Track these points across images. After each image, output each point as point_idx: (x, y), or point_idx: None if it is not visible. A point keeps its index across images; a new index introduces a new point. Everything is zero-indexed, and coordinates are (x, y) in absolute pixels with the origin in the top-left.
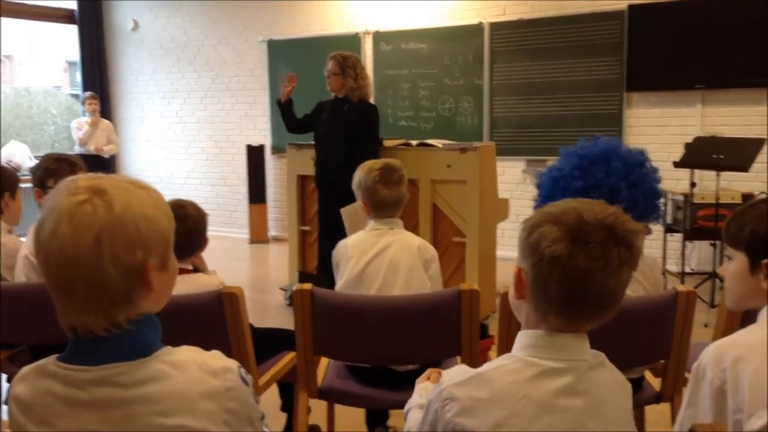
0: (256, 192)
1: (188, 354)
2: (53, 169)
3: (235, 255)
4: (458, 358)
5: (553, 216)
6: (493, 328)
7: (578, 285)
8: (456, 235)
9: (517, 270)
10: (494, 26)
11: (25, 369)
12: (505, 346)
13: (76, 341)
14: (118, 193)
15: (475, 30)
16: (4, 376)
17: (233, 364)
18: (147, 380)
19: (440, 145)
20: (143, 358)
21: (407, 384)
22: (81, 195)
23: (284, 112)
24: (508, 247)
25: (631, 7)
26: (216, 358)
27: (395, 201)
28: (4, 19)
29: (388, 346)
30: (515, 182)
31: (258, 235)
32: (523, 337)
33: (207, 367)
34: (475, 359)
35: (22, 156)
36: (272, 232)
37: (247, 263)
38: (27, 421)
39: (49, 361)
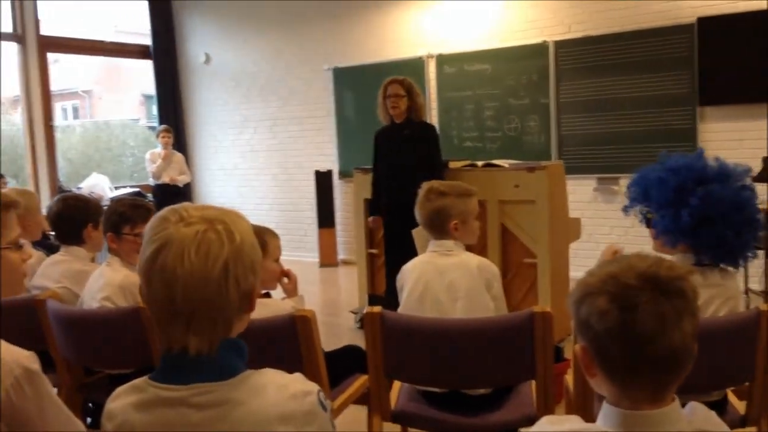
0: (325, 216)
1: (269, 377)
2: (129, 215)
3: (305, 278)
4: (533, 382)
5: (593, 287)
6: (569, 351)
7: (645, 351)
8: (527, 256)
9: (579, 349)
10: (559, 44)
11: (121, 387)
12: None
13: (169, 360)
14: (231, 222)
15: (539, 49)
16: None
17: (313, 387)
18: (225, 402)
19: (507, 165)
20: (225, 380)
21: (479, 408)
22: (198, 225)
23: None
24: (582, 268)
25: (700, 19)
26: (296, 381)
27: (426, 221)
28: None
29: (460, 370)
30: (587, 201)
31: (327, 258)
32: (612, 415)
33: (286, 390)
34: (550, 383)
35: (103, 187)
36: (341, 256)
37: (317, 287)
38: None
39: (143, 380)
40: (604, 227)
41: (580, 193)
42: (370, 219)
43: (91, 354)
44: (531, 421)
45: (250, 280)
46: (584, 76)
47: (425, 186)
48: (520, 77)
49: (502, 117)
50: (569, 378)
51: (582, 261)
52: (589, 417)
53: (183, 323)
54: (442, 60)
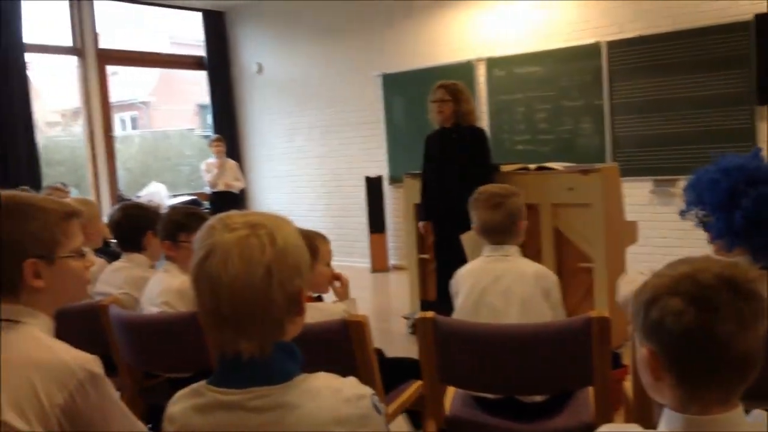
0: (376, 222)
1: (324, 380)
2: (184, 223)
3: (357, 284)
4: (590, 389)
5: (667, 287)
6: (627, 357)
7: (721, 353)
8: (582, 260)
9: (646, 352)
10: (611, 44)
11: (180, 391)
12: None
13: (224, 365)
14: (274, 227)
15: (591, 50)
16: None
17: (367, 391)
18: (281, 406)
19: (560, 168)
20: (280, 384)
21: (535, 415)
22: (242, 230)
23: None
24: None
25: (758, 16)
26: (351, 385)
27: (498, 225)
28: (141, 69)
29: (515, 376)
30: (643, 203)
31: (379, 264)
32: (676, 421)
33: (341, 394)
34: (608, 390)
35: (161, 195)
36: (392, 261)
37: (369, 292)
38: None
39: (201, 384)
40: (661, 230)
41: (636, 196)
42: (421, 224)
43: (151, 358)
44: (588, 428)
45: (295, 283)
46: (638, 77)
47: (484, 192)
48: (572, 79)
49: (555, 119)
50: (628, 384)
51: (639, 265)
52: (649, 424)
53: (232, 328)
54: (492, 63)
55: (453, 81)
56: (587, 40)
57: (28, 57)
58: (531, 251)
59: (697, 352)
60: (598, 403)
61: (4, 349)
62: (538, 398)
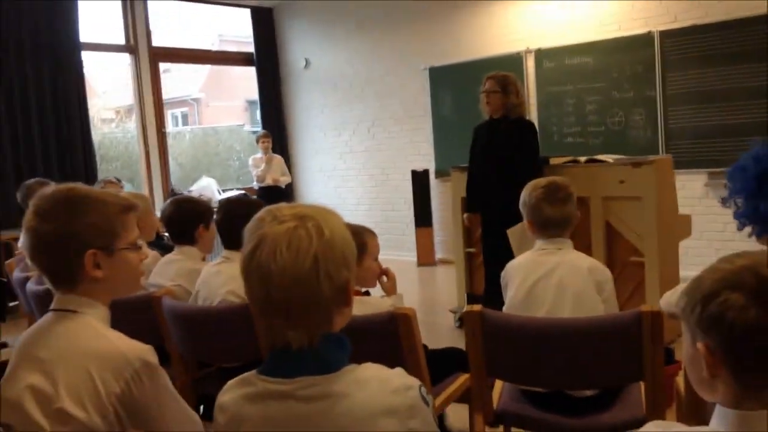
0: (422, 216)
1: (372, 371)
2: (245, 214)
3: (403, 278)
4: (641, 384)
5: (727, 281)
6: (680, 353)
7: None
8: (633, 254)
9: (702, 347)
10: (665, 34)
11: (231, 381)
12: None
13: (274, 354)
14: (321, 219)
15: (644, 39)
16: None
17: (415, 382)
18: (329, 395)
19: (611, 161)
20: (329, 374)
21: (586, 410)
22: (290, 222)
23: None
24: (692, 267)
25: None
26: (399, 375)
27: (561, 220)
28: (193, 66)
29: (564, 371)
30: (697, 197)
31: (425, 258)
32: (729, 417)
33: (389, 384)
34: (660, 386)
35: (212, 189)
36: (439, 255)
37: (415, 286)
38: (224, 425)
39: (252, 373)
40: (716, 224)
41: (690, 189)
42: (465, 216)
43: (203, 348)
44: (639, 423)
45: (343, 274)
46: (693, 67)
47: (547, 186)
48: (623, 69)
49: (606, 111)
50: (680, 380)
51: (692, 260)
52: (702, 421)
53: (281, 318)
54: (541, 54)
55: (504, 72)
56: (639, 29)
57: (84, 55)
58: (581, 245)
59: (759, 347)
60: (649, 398)
61: (63, 338)
62: (589, 393)
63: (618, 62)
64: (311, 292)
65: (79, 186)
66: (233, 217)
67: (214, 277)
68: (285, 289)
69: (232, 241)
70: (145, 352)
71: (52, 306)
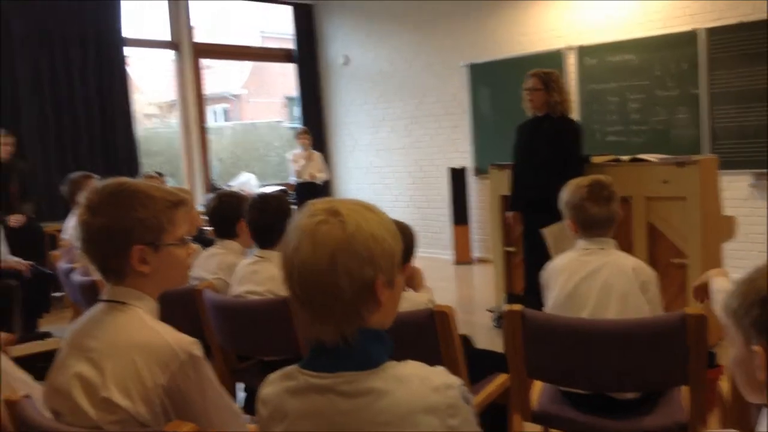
0: (460, 213)
1: (412, 368)
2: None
3: (440, 276)
4: (684, 388)
5: None
6: (723, 357)
7: None
8: (675, 255)
9: (759, 350)
10: (711, 31)
11: (273, 374)
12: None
13: (315, 350)
14: (350, 215)
15: (688, 37)
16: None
17: (456, 381)
18: (370, 391)
19: (654, 160)
20: (369, 370)
21: (627, 413)
22: (319, 216)
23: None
24: (737, 269)
25: None
26: (439, 373)
27: (605, 219)
28: (233, 62)
29: (605, 372)
30: (742, 198)
31: (462, 256)
32: None
33: (429, 382)
34: (704, 390)
35: (251, 185)
36: (476, 253)
37: (452, 284)
38: (266, 417)
39: (294, 367)
40: (761, 226)
41: (735, 190)
42: (509, 214)
43: (243, 341)
44: (682, 428)
45: (366, 273)
46: (739, 65)
47: (590, 185)
48: (668, 67)
49: (649, 109)
50: (724, 384)
51: (737, 262)
52: (746, 426)
53: (308, 312)
54: (584, 51)
55: (547, 69)
56: (684, 27)
57: (128, 51)
58: (622, 245)
59: None
60: (693, 402)
61: (111, 329)
62: (630, 395)
63: (662, 60)
64: (329, 288)
65: (129, 181)
66: (265, 217)
67: (251, 276)
68: (304, 283)
69: (265, 240)
70: (191, 345)
71: (102, 296)
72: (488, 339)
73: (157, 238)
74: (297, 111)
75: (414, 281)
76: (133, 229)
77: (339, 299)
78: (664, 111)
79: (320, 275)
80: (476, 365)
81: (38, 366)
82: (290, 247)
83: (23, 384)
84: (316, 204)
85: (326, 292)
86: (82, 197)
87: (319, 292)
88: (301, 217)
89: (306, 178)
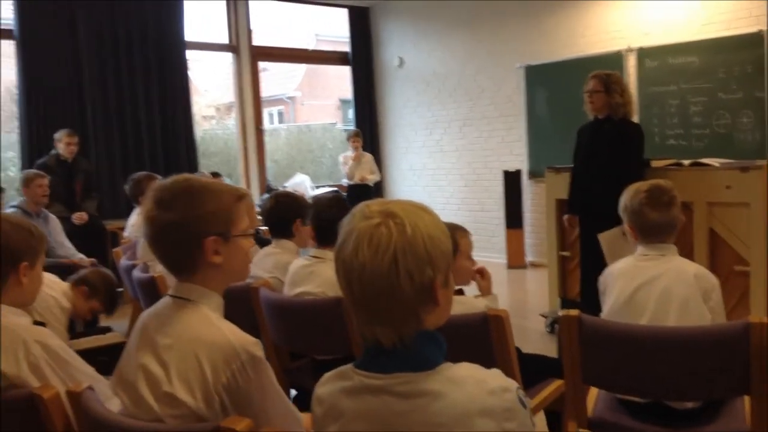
0: (513, 217)
1: (467, 371)
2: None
3: (493, 280)
4: (745, 398)
5: None
6: None
7: None
8: (738, 263)
9: None
10: None
11: (328, 374)
12: None
13: (370, 351)
14: (407, 216)
15: (753, 39)
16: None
17: (512, 384)
18: (425, 393)
19: (717, 165)
20: (424, 372)
21: (685, 423)
22: (375, 219)
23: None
24: None
25: None
26: (495, 376)
27: (665, 225)
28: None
29: (665, 381)
30: None
31: (515, 260)
32: None
33: (485, 385)
34: (765, 400)
35: (306, 186)
36: (529, 258)
37: (505, 288)
38: (321, 416)
39: (348, 367)
40: None
41: None
42: (565, 217)
43: (297, 339)
44: None
45: (426, 273)
46: None
47: (650, 190)
48: (731, 70)
49: (711, 113)
50: None
51: None
52: None
53: (366, 314)
54: (644, 53)
55: (608, 71)
56: (749, 28)
57: (188, 54)
58: (683, 252)
59: None
60: (755, 413)
61: (177, 325)
62: (690, 404)
63: (725, 62)
64: (391, 291)
65: (195, 176)
66: (325, 215)
67: (308, 278)
68: (365, 286)
69: (325, 239)
70: (253, 345)
71: (170, 292)
72: (541, 344)
73: (227, 229)
74: (351, 113)
75: (484, 285)
76: (206, 221)
77: (400, 301)
78: (727, 114)
79: (382, 278)
80: (525, 370)
81: (99, 359)
82: (347, 251)
83: (88, 377)
84: (370, 206)
85: (388, 294)
86: (147, 195)
87: (381, 294)
88: (355, 220)
89: (357, 179)
